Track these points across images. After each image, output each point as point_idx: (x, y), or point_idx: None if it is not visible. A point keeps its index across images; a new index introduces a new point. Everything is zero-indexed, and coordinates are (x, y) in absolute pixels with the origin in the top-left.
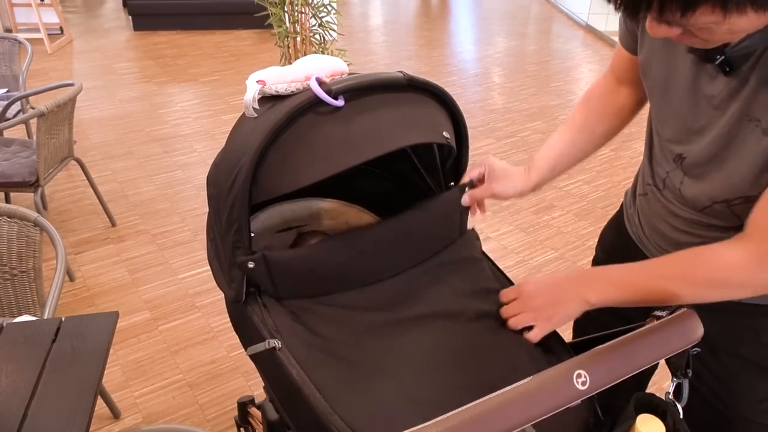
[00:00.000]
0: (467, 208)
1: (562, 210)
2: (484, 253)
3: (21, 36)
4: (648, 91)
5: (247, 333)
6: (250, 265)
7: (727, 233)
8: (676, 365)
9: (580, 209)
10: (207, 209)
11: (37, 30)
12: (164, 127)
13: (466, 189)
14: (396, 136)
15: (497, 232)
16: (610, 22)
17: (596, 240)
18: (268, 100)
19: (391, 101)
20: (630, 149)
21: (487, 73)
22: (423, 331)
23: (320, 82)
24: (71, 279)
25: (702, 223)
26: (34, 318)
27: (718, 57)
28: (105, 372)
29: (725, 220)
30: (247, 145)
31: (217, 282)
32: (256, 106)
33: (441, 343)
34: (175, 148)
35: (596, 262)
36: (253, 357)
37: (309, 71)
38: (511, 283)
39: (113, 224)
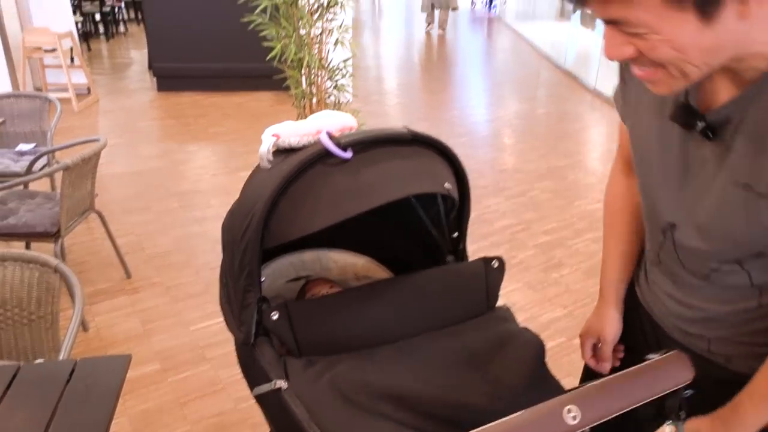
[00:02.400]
0: (495, 282)
1: (571, 267)
2: (516, 323)
3: (51, 95)
4: (635, 162)
5: (254, 375)
6: (274, 316)
7: (738, 298)
8: (670, 408)
9: (588, 267)
10: (220, 263)
11: (65, 90)
12: (183, 183)
13: (493, 263)
14: (400, 186)
15: (506, 289)
16: None
17: None
18: (281, 152)
19: (397, 154)
20: None
21: (497, 135)
22: (428, 378)
23: (330, 136)
24: (85, 329)
25: (712, 292)
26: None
27: (699, 123)
28: (112, 423)
29: (736, 281)
30: (260, 194)
31: (227, 325)
32: (270, 158)
33: (449, 393)
34: (193, 204)
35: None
36: (258, 398)
37: (320, 126)
38: (538, 338)
39: (128, 276)
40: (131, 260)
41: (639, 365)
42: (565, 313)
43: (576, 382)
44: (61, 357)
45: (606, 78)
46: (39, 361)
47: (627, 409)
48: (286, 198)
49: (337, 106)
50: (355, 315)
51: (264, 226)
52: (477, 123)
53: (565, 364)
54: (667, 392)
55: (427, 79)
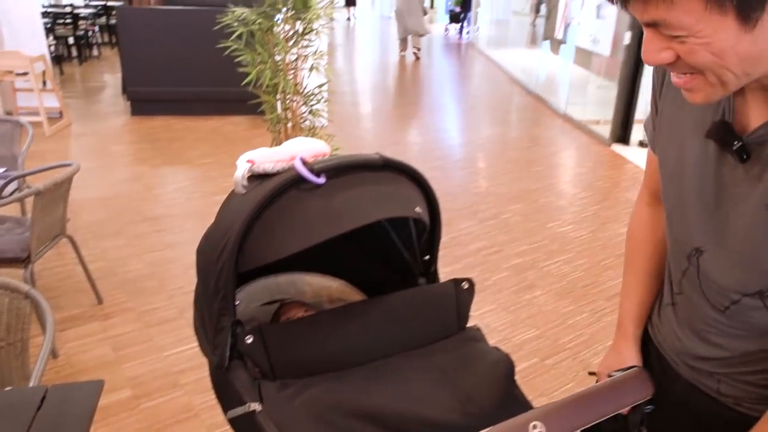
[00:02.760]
0: (465, 303)
1: (543, 289)
2: (487, 344)
3: (23, 119)
4: (663, 186)
5: (228, 398)
6: (248, 340)
7: (756, 336)
8: (632, 423)
9: (560, 288)
10: (194, 288)
11: (37, 113)
12: (156, 207)
13: (463, 285)
14: (372, 210)
15: (479, 311)
16: (587, 112)
17: (577, 318)
18: (256, 178)
19: (369, 180)
20: (608, 230)
21: (471, 158)
22: (401, 397)
23: (304, 162)
24: (54, 356)
25: (729, 327)
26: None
27: (736, 143)
28: None
29: (755, 319)
30: (235, 218)
31: (201, 349)
32: (245, 183)
33: (421, 410)
34: (166, 228)
35: None
36: (232, 422)
37: (294, 152)
38: (509, 359)
39: (100, 302)
40: (103, 285)
41: (602, 381)
42: (538, 334)
43: (547, 402)
44: (31, 385)
45: (575, 104)
46: (8, 389)
47: (591, 424)
48: (260, 222)
49: (312, 130)
50: (329, 337)
51: (239, 249)
52: (451, 147)
53: (537, 385)
54: (629, 407)
55: (402, 103)
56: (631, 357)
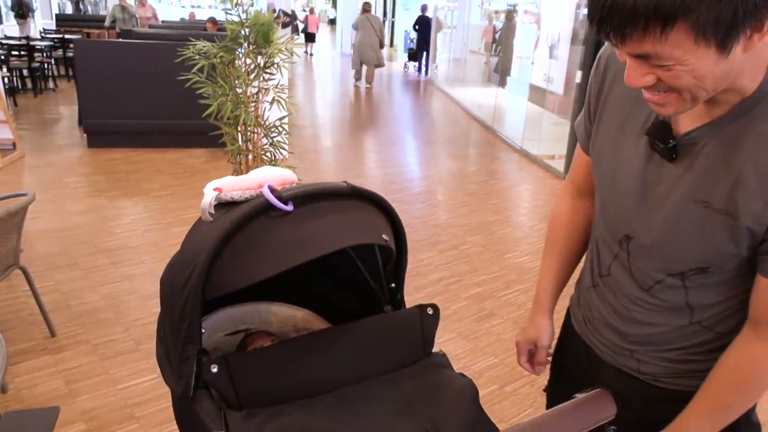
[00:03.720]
0: (430, 328)
1: (502, 318)
2: (452, 368)
3: None
4: (597, 183)
5: (192, 429)
6: (214, 369)
7: (673, 315)
8: None
9: (518, 317)
10: (152, 319)
11: None
12: (112, 239)
13: (428, 310)
14: (340, 237)
15: (440, 339)
16: (542, 147)
17: None
18: (223, 205)
19: (336, 208)
20: None
21: (430, 191)
22: (368, 427)
23: (272, 189)
24: (3, 391)
25: (649, 305)
26: None
27: (671, 141)
28: None
29: (673, 298)
30: (202, 245)
31: (165, 379)
32: (212, 211)
33: None
34: (123, 260)
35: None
36: None
37: (262, 180)
38: (473, 385)
39: (53, 334)
40: (57, 318)
41: (566, 403)
42: (497, 362)
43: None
44: None
45: (531, 139)
46: None
47: None
48: (228, 249)
49: (273, 162)
50: (295, 365)
51: (206, 277)
52: (411, 180)
53: (497, 411)
54: (593, 428)
55: (362, 137)
56: (547, 328)
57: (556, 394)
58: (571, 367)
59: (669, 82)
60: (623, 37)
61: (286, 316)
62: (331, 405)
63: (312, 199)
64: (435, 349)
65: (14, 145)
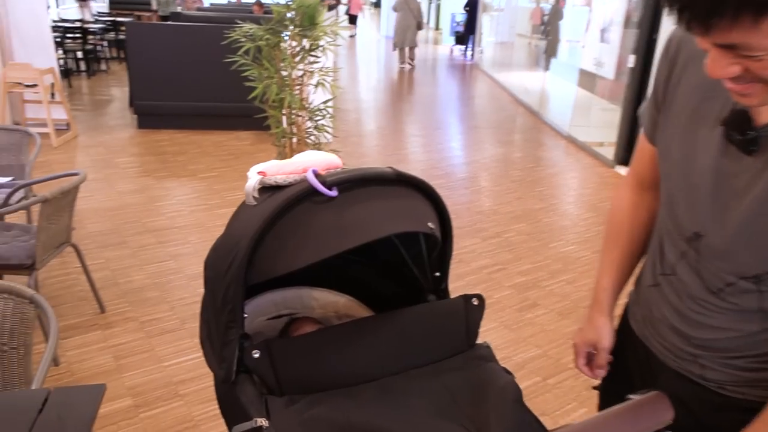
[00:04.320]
0: (475, 319)
1: (546, 308)
2: (496, 362)
3: (31, 129)
4: (665, 175)
5: (233, 413)
6: (255, 354)
7: (743, 320)
8: None
9: (563, 308)
10: (197, 299)
11: (45, 125)
12: (160, 219)
13: (474, 301)
14: (384, 225)
15: (482, 329)
16: (591, 133)
17: None
18: (267, 189)
19: (381, 193)
20: None
21: (474, 177)
22: (410, 424)
23: (316, 174)
24: (56, 364)
25: (718, 308)
26: None
27: (750, 132)
28: None
29: (745, 302)
30: (245, 230)
31: (207, 362)
32: (256, 195)
33: None
34: (170, 240)
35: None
36: None
37: (306, 164)
38: (509, 373)
39: (102, 311)
40: (105, 295)
41: (621, 405)
42: (540, 353)
43: (549, 422)
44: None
45: (579, 126)
46: (10, 391)
47: None
48: (271, 235)
49: (317, 146)
50: (337, 353)
51: (249, 262)
52: (455, 165)
53: (539, 404)
54: None
55: (406, 121)
56: (607, 329)
57: (608, 393)
58: (626, 366)
59: (757, 72)
60: (708, 26)
61: (328, 301)
62: (373, 397)
63: (357, 184)
64: (478, 340)
65: (68, 125)
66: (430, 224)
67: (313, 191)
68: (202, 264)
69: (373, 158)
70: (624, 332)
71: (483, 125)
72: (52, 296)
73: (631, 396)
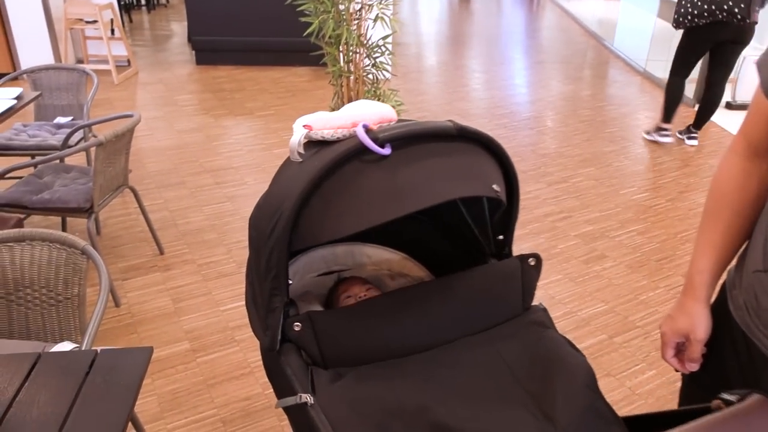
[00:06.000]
0: (531, 281)
1: (614, 261)
2: (554, 327)
3: (89, 67)
4: None
5: (279, 383)
6: (296, 327)
7: None
8: None
9: (633, 261)
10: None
11: (106, 62)
12: (217, 159)
13: (530, 261)
14: (443, 189)
15: (545, 281)
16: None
17: (650, 294)
18: (313, 145)
19: (440, 151)
20: (687, 200)
21: (539, 117)
22: (467, 405)
23: (367, 130)
24: (117, 305)
25: None
26: (73, 345)
27: None
28: (141, 402)
29: None
30: (289, 190)
31: (252, 328)
32: (302, 151)
33: (482, 419)
34: (227, 180)
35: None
36: (284, 408)
37: (356, 118)
38: (578, 351)
39: (161, 252)
40: (164, 236)
41: (717, 414)
42: (606, 309)
43: (614, 383)
44: (86, 339)
45: (657, 60)
46: (62, 345)
47: None
48: (317, 196)
49: (375, 84)
50: (384, 326)
51: (293, 226)
52: (518, 104)
53: (604, 363)
54: None
55: (468, 56)
56: (703, 318)
57: (694, 385)
58: (721, 357)
59: None
60: None
61: (382, 258)
62: (423, 371)
63: (413, 141)
64: (539, 292)
65: (129, 61)
66: (495, 186)
67: (364, 149)
68: None
69: (432, 96)
70: (720, 316)
71: (550, 60)
72: (113, 237)
73: (725, 395)
